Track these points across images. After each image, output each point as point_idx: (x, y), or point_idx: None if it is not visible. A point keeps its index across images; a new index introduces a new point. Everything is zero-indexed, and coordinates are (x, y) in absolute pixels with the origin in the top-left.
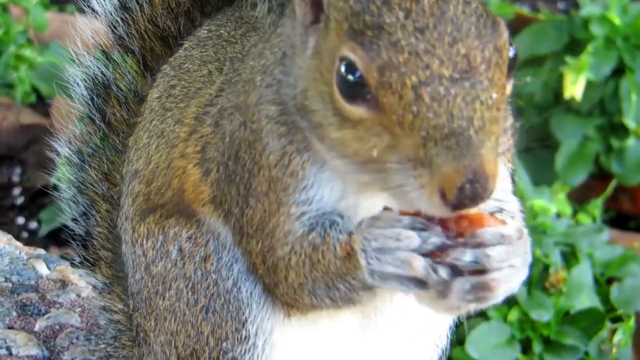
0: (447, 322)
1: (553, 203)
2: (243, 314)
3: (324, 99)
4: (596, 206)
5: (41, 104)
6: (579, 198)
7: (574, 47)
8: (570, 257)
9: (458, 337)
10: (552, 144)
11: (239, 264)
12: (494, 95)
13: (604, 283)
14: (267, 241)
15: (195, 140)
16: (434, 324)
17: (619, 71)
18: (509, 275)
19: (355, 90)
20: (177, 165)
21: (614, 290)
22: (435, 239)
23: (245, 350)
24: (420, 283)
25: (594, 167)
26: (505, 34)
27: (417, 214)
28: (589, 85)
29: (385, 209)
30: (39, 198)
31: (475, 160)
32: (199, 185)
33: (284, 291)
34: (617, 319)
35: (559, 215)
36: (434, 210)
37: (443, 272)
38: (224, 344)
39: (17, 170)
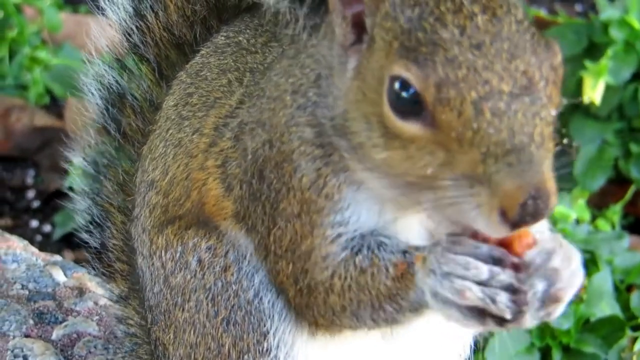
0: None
1: (573, 209)
2: (264, 326)
3: (368, 119)
4: (615, 212)
5: (55, 105)
6: (597, 203)
7: (593, 51)
8: (590, 264)
9: (477, 345)
10: (571, 148)
11: (260, 275)
12: (552, 112)
13: (624, 290)
14: (300, 263)
15: (215, 153)
16: (458, 335)
17: (639, 75)
18: (571, 280)
19: (409, 107)
20: (197, 177)
21: (635, 298)
22: (504, 277)
23: None
24: (479, 312)
25: (613, 172)
26: (559, 54)
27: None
28: (608, 89)
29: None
30: (53, 201)
31: (537, 176)
32: (222, 200)
33: (318, 313)
34: (637, 327)
35: (578, 222)
36: (492, 229)
37: (503, 298)
38: (246, 357)
39: (31, 172)
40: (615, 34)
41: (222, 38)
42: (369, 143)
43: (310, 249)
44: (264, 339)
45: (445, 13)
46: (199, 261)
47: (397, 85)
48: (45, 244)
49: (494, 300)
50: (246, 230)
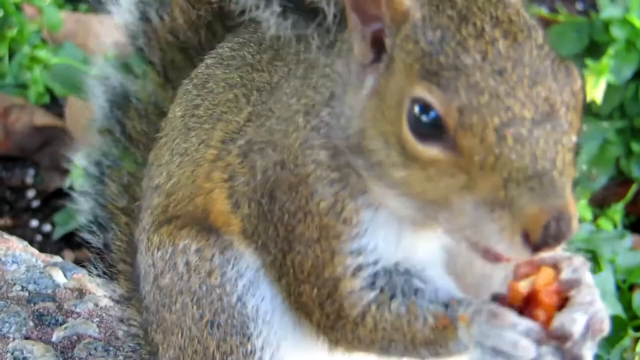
0: None
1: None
2: (248, 329)
3: (387, 138)
4: (617, 211)
5: (55, 104)
6: (598, 203)
7: (594, 49)
8: (591, 263)
9: None
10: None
11: (243, 280)
12: (574, 139)
13: (626, 290)
14: (325, 290)
15: (222, 167)
16: None
17: None
18: (603, 314)
19: (429, 130)
20: (203, 185)
21: (637, 298)
22: (550, 357)
23: None
24: None
25: (614, 171)
26: (579, 79)
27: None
28: (610, 88)
29: (496, 298)
30: (53, 200)
31: (559, 200)
32: (230, 216)
33: (344, 338)
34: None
35: (580, 221)
36: (513, 252)
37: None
38: (229, 358)
39: (31, 171)
40: (617, 32)
41: (227, 50)
42: (388, 161)
43: (335, 276)
44: (248, 341)
45: (467, 38)
46: (187, 264)
47: (417, 108)
48: (45, 244)
49: None
50: (255, 249)
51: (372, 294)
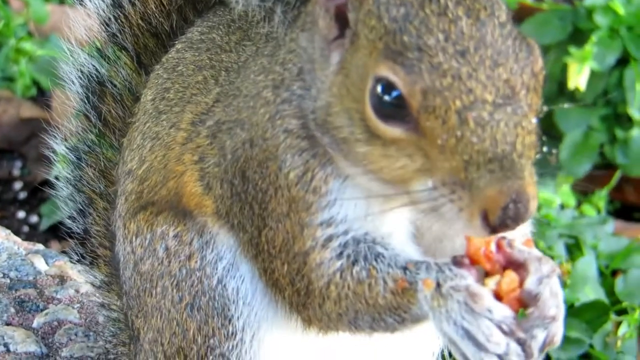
0: None
1: (557, 194)
2: (229, 310)
3: (350, 115)
4: (601, 197)
5: (41, 97)
6: (583, 189)
7: (578, 37)
8: (574, 249)
9: None
10: (556, 134)
11: (223, 262)
12: (533, 121)
13: (608, 275)
14: (295, 265)
15: (191, 149)
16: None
17: (623, 61)
18: (558, 306)
19: (392, 110)
20: (174, 168)
21: (619, 283)
22: (515, 357)
23: (233, 346)
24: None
25: (599, 158)
26: (540, 58)
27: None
28: (593, 75)
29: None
30: (40, 192)
31: (518, 182)
32: (202, 198)
33: (314, 316)
34: (622, 312)
35: (563, 207)
36: (472, 231)
37: (515, 358)
38: (211, 341)
39: (18, 163)
40: (600, 19)
41: (197, 33)
42: (352, 138)
43: (304, 250)
44: (229, 322)
45: (430, 16)
46: (166, 249)
47: (380, 87)
48: (32, 235)
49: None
50: (229, 228)
51: (338, 263)
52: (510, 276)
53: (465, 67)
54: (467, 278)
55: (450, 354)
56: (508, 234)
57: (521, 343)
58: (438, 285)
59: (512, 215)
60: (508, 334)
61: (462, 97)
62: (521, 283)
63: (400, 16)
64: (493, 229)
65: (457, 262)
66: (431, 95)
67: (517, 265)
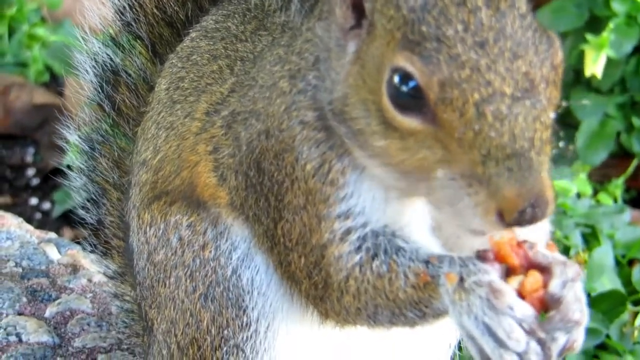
0: None
1: (574, 183)
2: (244, 301)
3: (367, 106)
4: (617, 186)
5: (54, 83)
6: (599, 177)
7: (595, 24)
8: (591, 238)
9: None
10: (573, 122)
11: (238, 252)
12: (551, 115)
13: (625, 265)
14: (312, 258)
15: (206, 139)
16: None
17: None
18: (582, 311)
19: (409, 101)
20: (188, 158)
21: (636, 272)
22: (534, 356)
23: (247, 338)
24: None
25: (615, 146)
26: (560, 51)
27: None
28: (610, 62)
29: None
30: (52, 178)
31: (537, 184)
32: (216, 189)
33: (332, 309)
34: (639, 302)
35: (579, 196)
36: (487, 227)
37: (534, 357)
38: (225, 332)
39: (31, 150)
40: (617, 7)
41: (212, 22)
42: (368, 130)
43: (322, 243)
44: (244, 313)
45: (449, 5)
46: (180, 239)
47: (397, 78)
48: (45, 222)
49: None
50: (244, 219)
51: (357, 257)
52: (535, 276)
53: (484, 59)
54: (491, 273)
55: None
56: (529, 234)
57: (541, 343)
58: (461, 279)
59: (529, 219)
60: (529, 332)
61: (481, 89)
62: (545, 285)
63: (418, 6)
64: (508, 226)
65: (481, 256)
66: (449, 87)
67: (541, 268)
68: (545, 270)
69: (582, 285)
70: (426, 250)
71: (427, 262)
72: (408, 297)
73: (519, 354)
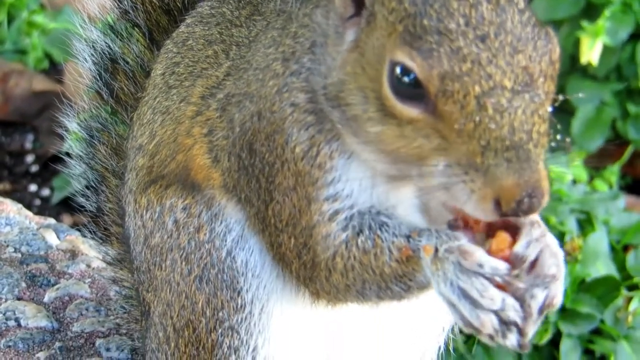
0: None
1: (569, 169)
2: (238, 283)
3: (365, 93)
4: (612, 172)
5: (54, 69)
6: (595, 164)
7: (591, 11)
8: (586, 224)
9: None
10: (569, 109)
11: (232, 234)
12: (549, 109)
13: (620, 250)
14: (302, 238)
15: (201, 122)
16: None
17: (636, 36)
18: (558, 266)
19: (410, 90)
20: (183, 142)
21: (630, 258)
22: (512, 312)
23: (242, 319)
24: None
25: (611, 133)
26: (557, 47)
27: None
28: (606, 50)
29: (452, 225)
30: (52, 165)
31: (535, 175)
32: (209, 170)
33: (322, 288)
34: (633, 287)
35: (575, 182)
36: (482, 214)
37: (512, 314)
38: (220, 314)
39: (30, 137)
40: None
41: (207, 8)
42: (365, 116)
43: (311, 225)
44: (238, 295)
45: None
46: (175, 221)
47: (398, 69)
48: (44, 208)
49: (506, 328)
50: (237, 201)
51: (343, 235)
52: (502, 236)
53: (485, 53)
54: (461, 239)
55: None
56: None
57: (520, 300)
58: (436, 250)
59: (525, 209)
60: (504, 286)
61: (482, 82)
62: (510, 246)
63: None
64: (503, 215)
65: (451, 225)
66: (450, 80)
67: (515, 229)
68: (517, 230)
69: (557, 241)
70: (408, 225)
71: (408, 237)
72: (393, 271)
73: (495, 312)
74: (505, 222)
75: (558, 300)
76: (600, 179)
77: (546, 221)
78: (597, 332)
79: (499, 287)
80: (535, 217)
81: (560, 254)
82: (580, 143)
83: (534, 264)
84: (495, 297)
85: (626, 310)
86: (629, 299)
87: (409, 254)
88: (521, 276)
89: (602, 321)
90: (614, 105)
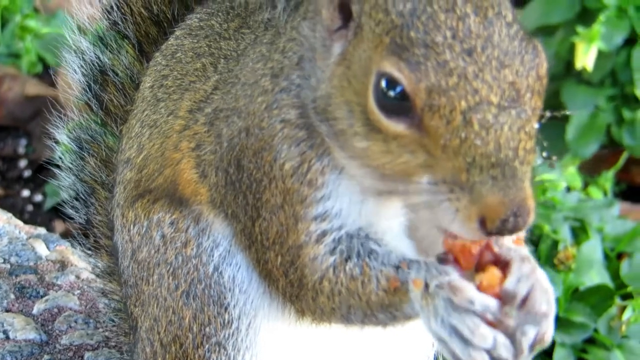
0: None
1: (563, 177)
2: (225, 298)
3: (351, 107)
4: (607, 179)
5: (47, 74)
6: (589, 170)
7: (586, 16)
8: (580, 232)
9: None
10: (563, 115)
11: (219, 250)
12: (535, 125)
13: (614, 258)
14: (289, 257)
15: (189, 136)
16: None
17: (631, 41)
18: (548, 302)
19: (396, 105)
20: (171, 156)
21: (624, 266)
22: (504, 350)
23: (229, 335)
24: None
25: (605, 139)
26: (545, 61)
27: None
28: (601, 55)
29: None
30: (45, 170)
31: (520, 194)
32: (197, 185)
33: (307, 308)
34: (627, 296)
35: (569, 189)
36: (467, 233)
37: (504, 352)
38: (207, 329)
39: (23, 141)
40: None
41: (196, 20)
42: (351, 130)
43: (298, 244)
44: (225, 311)
45: (437, 12)
46: (162, 236)
47: (384, 82)
48: (37, 214)
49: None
50: (224, 217)
51: (331, 259)
52: (492, 272)
53: (471, 67)
54: (451, 274)
55: None
56: None
57: (511, 338)
58: (426, 285)
59: (511, 228)
60: (496, 324)
61: (468, 97)
62: (500, 282)
63: (407, 11)
64: (488, 234)
65: (440, 259)
66: (436, 94)
67: (504, 264)
68: (507, 265)
69: (547, 277)
70: (398, 254)
71: (397, 267)
72: (380, 300)
73: (487, 351)
74: (495, 257)
75: (549, 337)
76: (595, 186)
77: (539, 229)
78: (591, 341)
79: (490, 324)
80: (525, 251)
81: (551, 289)
82: (574, 149)
83: (524, 300)
84: (487, 336)
85: (620, 319)
86: (623, 308)
87: (397, 286)
88: (511, 313)
89: (595, 330)
90: (609, 110)
